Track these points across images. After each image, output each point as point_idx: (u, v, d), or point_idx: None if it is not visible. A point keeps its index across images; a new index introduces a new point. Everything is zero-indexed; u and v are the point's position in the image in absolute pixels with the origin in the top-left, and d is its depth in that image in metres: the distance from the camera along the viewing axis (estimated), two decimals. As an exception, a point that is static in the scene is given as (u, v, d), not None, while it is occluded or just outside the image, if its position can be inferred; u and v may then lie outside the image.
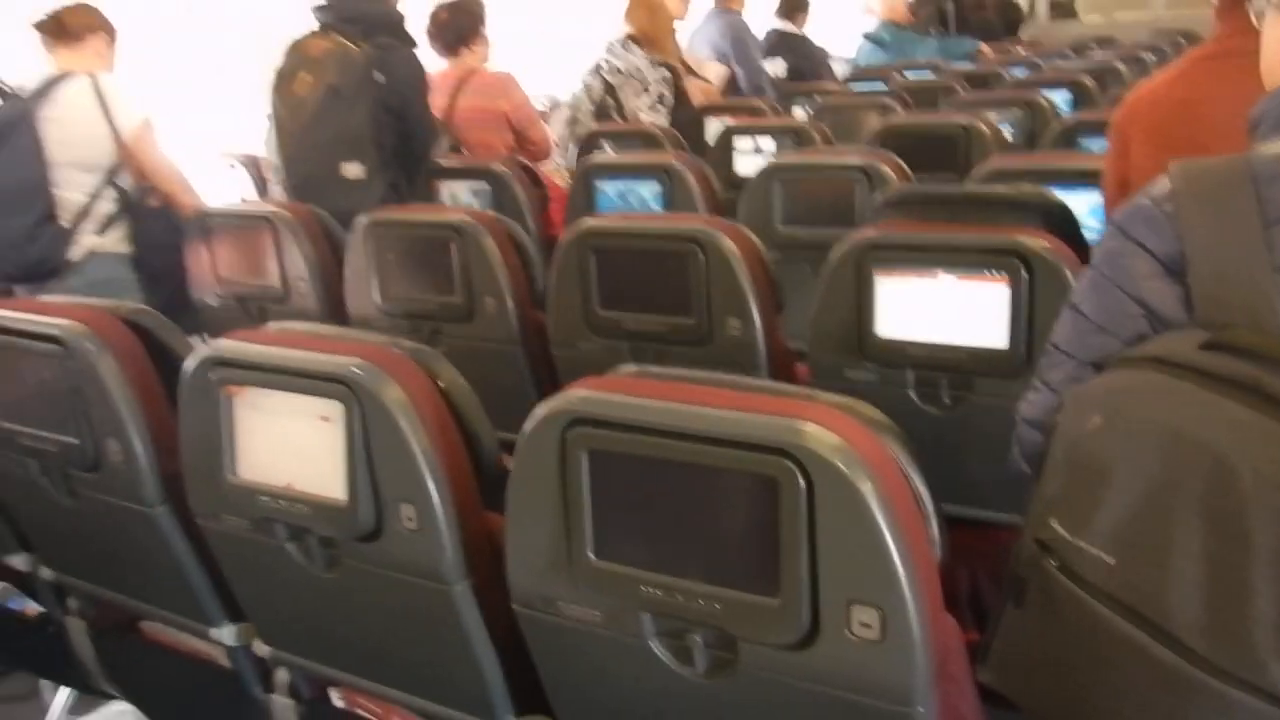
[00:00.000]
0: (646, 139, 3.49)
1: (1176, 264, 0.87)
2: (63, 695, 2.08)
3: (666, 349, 1.83)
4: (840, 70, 5.77)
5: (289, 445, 1.18)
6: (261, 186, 3.23)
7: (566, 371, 1.93)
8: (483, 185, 2.94)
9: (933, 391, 1.55)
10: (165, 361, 1.39)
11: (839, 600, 0.86)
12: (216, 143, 3.44)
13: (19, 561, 1.68)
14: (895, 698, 0.86)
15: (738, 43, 4.95)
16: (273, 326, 1.30)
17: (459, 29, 3.41)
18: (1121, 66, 4.34)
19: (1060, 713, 0.92)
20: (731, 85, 4.91)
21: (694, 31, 5.07)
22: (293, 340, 1.21)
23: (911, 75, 4.83)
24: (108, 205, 2.54)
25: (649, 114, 3.91)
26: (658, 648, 0.99)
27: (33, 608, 1.77)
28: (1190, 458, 0.79)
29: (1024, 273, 1.44)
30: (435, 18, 3.38)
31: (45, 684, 2.13)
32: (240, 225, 2.41)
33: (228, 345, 1.21)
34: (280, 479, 1.18)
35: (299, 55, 2.75)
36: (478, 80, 3.36)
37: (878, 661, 0.85)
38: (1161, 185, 0.91)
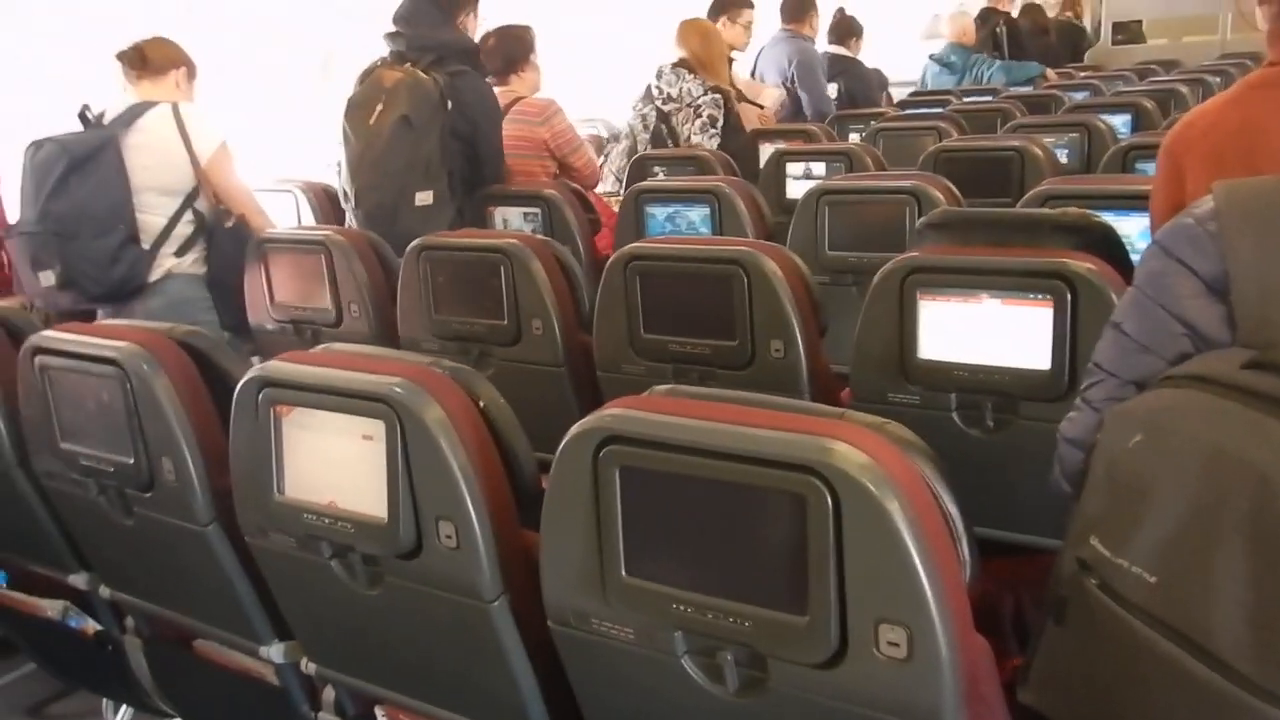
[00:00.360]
0: (697, 163, 3.53)
1: (1220, 283, 0.87)
2: (123, 713, 2.15)
3: (710, 372, 1.85)
4: (901, 94, 5.77)
5: (333, 464, 1.22)
6: (326, 213, 3.33)
7: (611, 394, 1.93)
8: (535, 210, 3.00)
9: (976, 415, 1.54)
10: (218, 382, 1.45)
11: (867, 619, 0.86)
12: (271, 169, 3.55)
13: (79, 580, 1.75)
14: (923, 717, 0.86)
15: (804, 67, 4.99)
16: (320, 348, 1.35)
17: (508, 56, 3.46)
18: (1184, 89, 4.27)
19: None
20: (795, 110, 4.94)
21: (760, 54, 5.12)
22: (338, 361, 1.25)
23: (968, 99, 4.81)
24: (185, 228, 2.65)
25: (700, 136, 3.94)
26: (689, 665, 1.00)
27: (92, 626, 1.83)
28: (1234, 477, 0.78)
29: (1068, 295, 1.43)
30: (483, 43, 3.46)
31: (105, 702, 2.20)
32: (295, 250, 2.50)
33: (276, 366, 1.26)
34: (325, 497, 1.22)
35: (371, 84, 2.85)
36: (520, 108, 3.41)
37: (906, 681, 0.85)
38: (1205, 204, 0.91)
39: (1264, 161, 1.31)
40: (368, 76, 2.88)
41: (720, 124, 3.95)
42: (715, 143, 3.92)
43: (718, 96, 3.97)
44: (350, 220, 2.89)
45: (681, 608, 0.97)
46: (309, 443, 1.23)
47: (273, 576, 1.37)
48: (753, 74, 5.08)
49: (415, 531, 1.15)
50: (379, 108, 2.78)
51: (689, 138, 3.97)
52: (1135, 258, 1.63)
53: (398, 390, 1.14)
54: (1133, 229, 1.81)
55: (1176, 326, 0.91)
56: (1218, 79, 4.69)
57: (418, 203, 2.76)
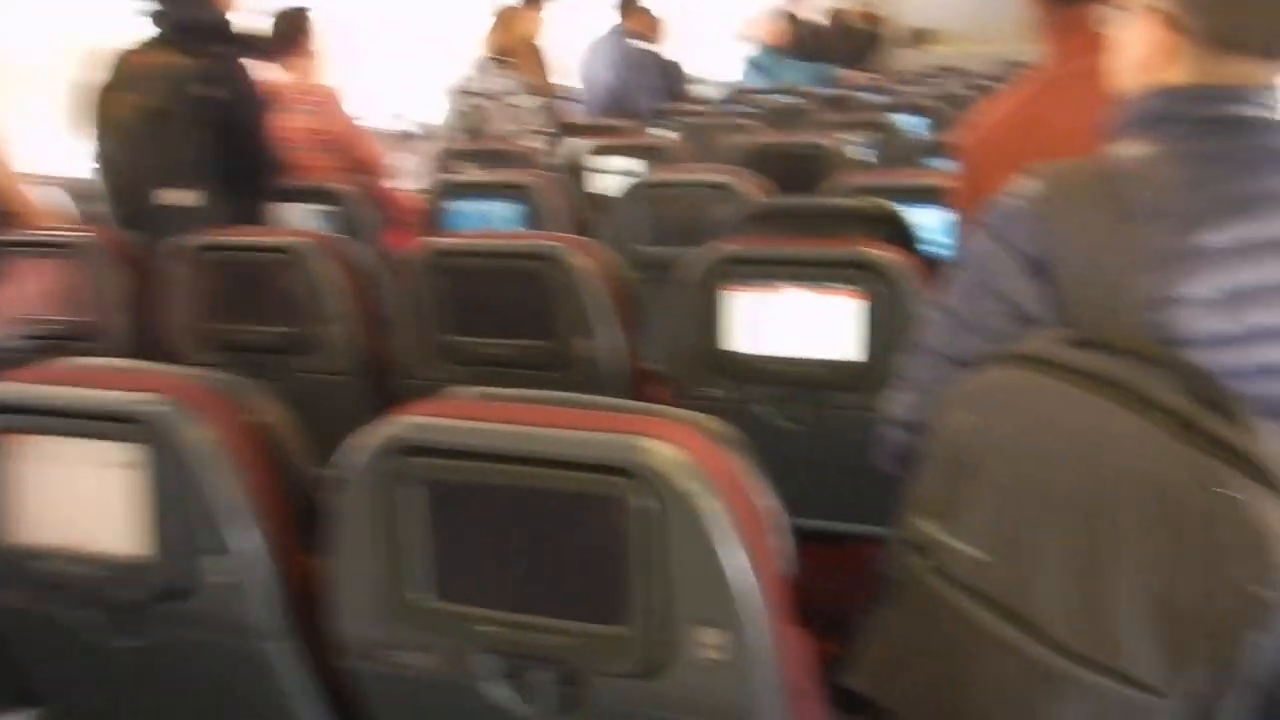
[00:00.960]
0: (508, 158, 3.46)
1: (1043, 263, 0.89)
2: None
3: (521, 375, 1.79)
4: (713, 92, 5.94)
5: (80, 499, 1.07)
6: (87, 213, 3.02)
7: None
8: (325, 207, 2.84)
9: (790, 407, 1.56)
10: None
11: (686, 623, 0.84)
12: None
13: None
14: (746, 717, 0.84)
15: (632, 64, 5.03)
16: (63, 363, 1.19)
17: (283, 39, 3.26)
18: (970, 93, 4.60)
19: (930, 713, 0.93)
20: (621, 106, 4.96)
21: (589, 50, 5.11)
22: (85, 378, 1.11)
23: (775, 98, 4.99)
24: None
25: (528, 141, 3.88)
26: (501, 689, 0.94)
27: None
28: (1060, 453, 0.81)
29: (874, 284, 1.46)
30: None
31: None
32: (42, 255, 2.23)
33: (6, 388, 1.10)
34: (69, 538, 1.07)
35: (121, 71, 2.58)
36: (298, 97, 3.23)
37: (727, 683, 0.84)
38: (1027, 185, 0.93)
39: (1062, 154, 1.38)
40: (116, 63, 2.62)
41: (551, 130, 3.92)
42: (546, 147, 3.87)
43: (541, 100, 3.93)
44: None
45: (490, 628, 0.92)
46: (50, 476, 1.08)
47: (11, 636, 1.20)
48: (581, 71, 5.09)
49: (181, 569, 1.03)
50: (130, 98, 2.53)
51: (505, 134, 3.91)
52: (931, 248, 1.71)
53: (155, 409, 1.02)
54: (926, 220, 1.88)
55: (1001, 306, 0.92)
56: (999, 83, 5.07)
57: (183, 204, 2.53)
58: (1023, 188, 0.93)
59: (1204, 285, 0.83)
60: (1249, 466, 0.75)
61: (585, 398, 0.97)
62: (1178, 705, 0.77)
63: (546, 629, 0.89)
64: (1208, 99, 0.88)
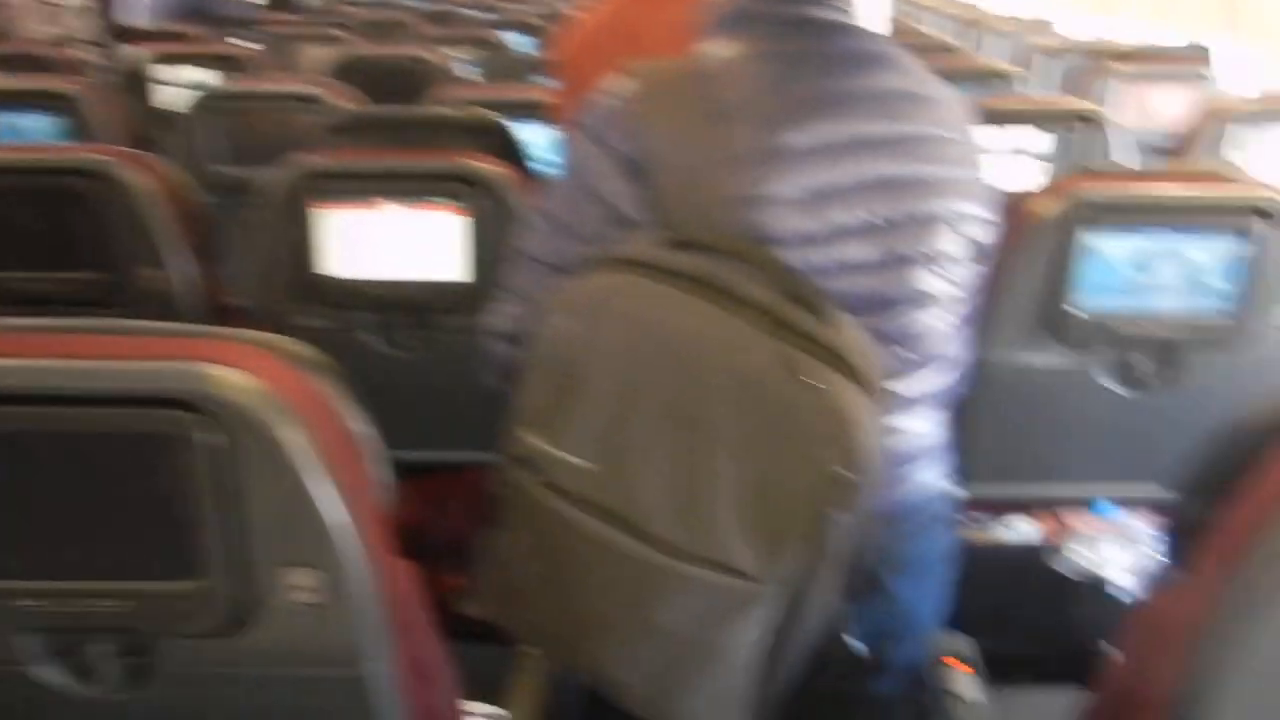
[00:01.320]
0: (45, 64, 3.02)
1: (639, 163, 0.91)
2: None
3: (72, 313, 1.57)
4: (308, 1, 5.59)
5: None
6: None
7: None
8: None
9: (395, 333, 1.52)
10: None
11: (270, 567, 0.79)
12: None
13: None
14: (346, 660, 0.82)
15: None
16: None
17: None
18: (569, 10, 4.73)
19: (551, 627, 0.95)
20: (199, 12, 4.46)
21: None
22: None
23: (370, 10, 4.79)
24: None
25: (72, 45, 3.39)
26: (53, 672, 0.83)
27: None
28: (660, 355, 0.85)
29: (478, 199, 1.45)
30: None
31: None
32: None
33: None
34: None
35: None
36: None
37: (322, 627, 0.80)
38: (623, 85, 0.94)
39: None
40: None
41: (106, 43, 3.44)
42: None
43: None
44: None
45: (29, 602, 0.80)
46: None
47: None
48: None
49: None
50: None
51: (41, 37, 3.39)
52: (539, 165, 1.73)
53: None
54: (535, 137, 1.91)
55: (599, 209, 0.93)
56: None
57: None
58: (618, 87, 0.94)
59: (789, 184, 0.88)
60: (832, 357, 0.82)
61: (135, 324, 0.86)
62: (774, 588, 0.84)
63: (102, 594, 0.79)
64: (790, 0, 0.94)
